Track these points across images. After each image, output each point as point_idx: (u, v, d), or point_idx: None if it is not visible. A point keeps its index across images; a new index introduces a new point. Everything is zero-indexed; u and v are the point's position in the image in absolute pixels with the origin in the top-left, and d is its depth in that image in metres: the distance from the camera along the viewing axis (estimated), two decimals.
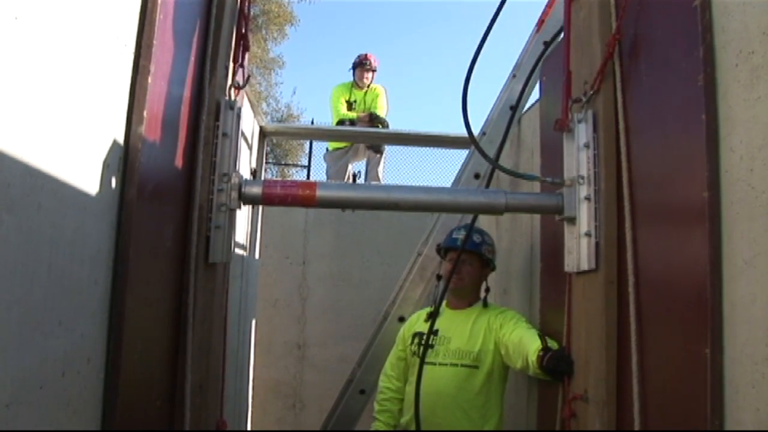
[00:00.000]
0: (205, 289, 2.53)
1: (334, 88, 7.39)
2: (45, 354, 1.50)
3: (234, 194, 2.53)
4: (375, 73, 7.41)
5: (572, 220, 2.51)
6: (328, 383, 5.08)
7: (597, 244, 2.39)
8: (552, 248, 3.01)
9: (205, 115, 2.49)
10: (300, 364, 5.80)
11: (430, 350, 3.28)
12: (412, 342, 3.42)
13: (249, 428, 4.95)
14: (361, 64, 7.33)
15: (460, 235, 3.39)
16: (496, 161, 3.10)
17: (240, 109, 2.68)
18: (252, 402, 5.13)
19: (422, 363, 3.22)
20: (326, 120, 7.96)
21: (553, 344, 2.79)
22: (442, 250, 3.55)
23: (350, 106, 7.25)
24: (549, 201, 2.60)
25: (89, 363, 1.73)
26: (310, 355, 5.79)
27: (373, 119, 7.07)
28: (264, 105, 21.49)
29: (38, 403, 1.48)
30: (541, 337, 2.83)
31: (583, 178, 2.46)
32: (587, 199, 2.43)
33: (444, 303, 3.47)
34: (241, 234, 4.10)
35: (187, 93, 2.39)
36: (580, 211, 2.46)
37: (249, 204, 2.73)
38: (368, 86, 7.35)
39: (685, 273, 1.91)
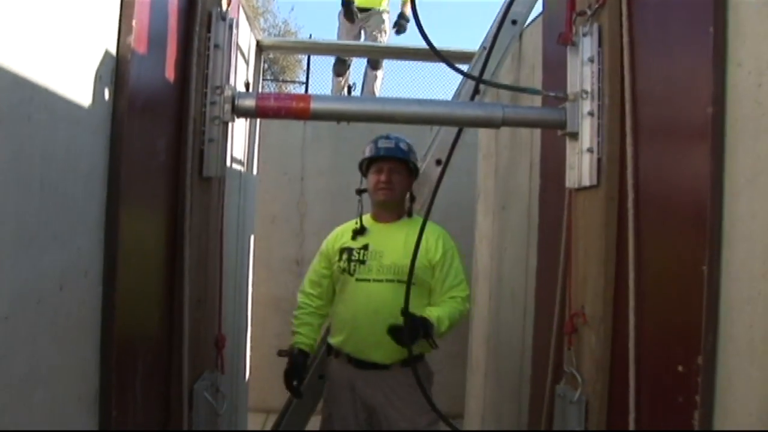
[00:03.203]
0: (200, 203, 2.52)
1: None
2: (42, 268, 1.50)
3: (227, 107, 2.47)
4: None
5: (575, 136, 2.47)
6: None
7: (599, 160, 2.36)
8: (552, 165, 2.98)
9: (197, 27, 2.42)
10: (298, 281, 5.79)
11: (362, 266, 3.15)
12: (340, 258, 3.22)
13: (249, 343, 5.03)
14: None
15: (388, 144, 3.24)
16: (479, 76, 3.03)
17: (233, 20, 2.60)
18: (251, 318, 5.20)
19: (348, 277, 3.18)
20: (324, 37, 7.75)
21: (431, 314, 2.95)
22: (365, 162, 3.32)
23: None
24: (551, 116, 2.56)
25: (87, 277, 1.73)
26: None
27: (399, 16, 6.77)
28: (261, 20, 20.99)
29: (36, 317, 1.49)
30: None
31: (586, 92, 2.41)
32: (590, 114, 2.39)
33: (369, 217, 3.32)
34: (238, 149, 4.06)
35: (178, 3, 2.31)
36: (583, 127, 2.42)
37: (243, 117, 2.69)
38: None
39: (686, 190, 1.90)
